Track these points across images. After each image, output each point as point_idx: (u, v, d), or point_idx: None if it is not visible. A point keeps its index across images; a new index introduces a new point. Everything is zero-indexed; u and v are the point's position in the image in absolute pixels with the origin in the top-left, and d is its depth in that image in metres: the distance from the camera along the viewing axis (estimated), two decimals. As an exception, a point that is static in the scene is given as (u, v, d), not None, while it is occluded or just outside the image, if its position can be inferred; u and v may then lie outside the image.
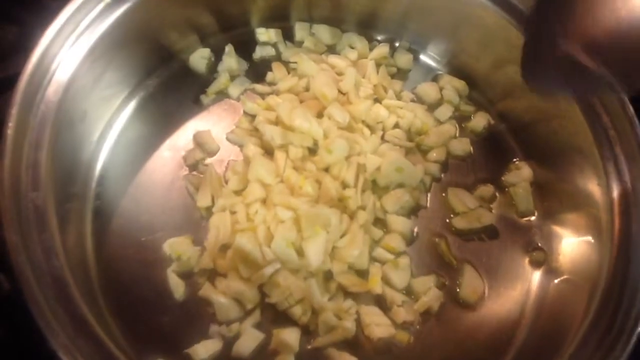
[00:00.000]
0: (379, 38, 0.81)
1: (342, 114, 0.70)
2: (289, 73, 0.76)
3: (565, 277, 0.67)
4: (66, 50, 0.60)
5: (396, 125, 0.74)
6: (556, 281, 0.67)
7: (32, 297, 0.47)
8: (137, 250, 0.64)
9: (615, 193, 0.62)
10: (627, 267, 0.58)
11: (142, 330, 0.60)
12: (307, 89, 0.75)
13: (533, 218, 0.72)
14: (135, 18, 0.66)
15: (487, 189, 0.72)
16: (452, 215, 0.70)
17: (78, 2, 0.62)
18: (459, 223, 0.70)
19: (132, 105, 0.72)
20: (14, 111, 0.55)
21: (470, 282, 0.66)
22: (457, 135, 0.76)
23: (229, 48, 0.76)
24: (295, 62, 0.76)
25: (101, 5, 0.63)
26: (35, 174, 0.54)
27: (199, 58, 0.76)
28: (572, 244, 0.68)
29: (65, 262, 0.52)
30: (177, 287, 0.62)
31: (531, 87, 0.60)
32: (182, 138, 0.71)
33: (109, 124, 0.70)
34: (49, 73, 0.59)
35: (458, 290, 0.66)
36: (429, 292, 0.65)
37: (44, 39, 0.59)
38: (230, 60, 0.75)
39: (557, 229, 0.70)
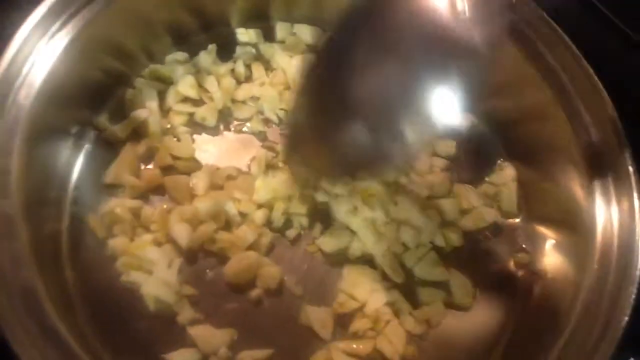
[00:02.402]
0: (360, 38, 0.80)
1: None
2: (268, 74, 0.75)
3: (549, 277, 0.66)
4: (39, 52, 0.59)
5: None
6: (540, 282, 0.66)
7: (-2, 309, 0.46)
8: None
9: (598, 193, 0.62)
10: (609, 268, 0.57)
11: (120, 338, 0.59)
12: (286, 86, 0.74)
13: (517, 219, 0.71)
14: (110, 19, 0.65)
15: (489, 187, 0.71)
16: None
17: (50, 3, 0.60)
18: (466, 223, 0.69)
19: (109, 107, 0.70)
20: (-18, 115, 0.54)
21: (461, 286, 0.65)
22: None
23: (211, 47, 0.74)
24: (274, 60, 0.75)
25: (74, 6, 0.61)
26: (5, 181, 0.52)
27: (175, 60, 0.74)
28: (556, 245, 0.67)
29: (37, 271, 0.50)
30: (152, 301, 0.61)
31: None
32: (160, 140, 0.70)
33: (86, 127, 0.68)
34: (20, 76, 0.58)
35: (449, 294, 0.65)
36: (435, 305, 0.64)
37: (15, 40, 0.58)
38: (207, 58, 0.74)
39: (541, 230, 0.69)
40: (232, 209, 0.65)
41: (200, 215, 0.64)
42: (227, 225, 0.65)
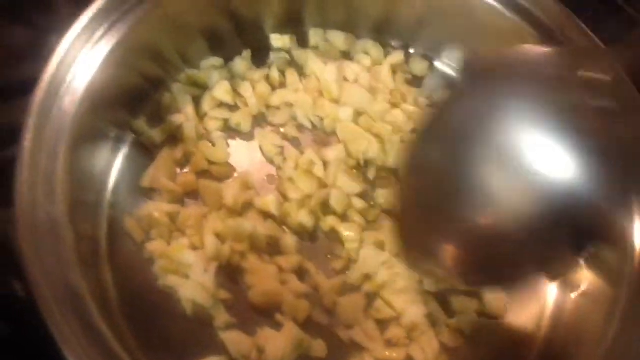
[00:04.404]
0: (393, 44, 0.81)
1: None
2: (301, 80, 0.76)
3: (583, 289, 0.65)
4: (83, 59, 0.60)
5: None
6: (573, 295, 0.66)
7: (46, 309, 0.47)
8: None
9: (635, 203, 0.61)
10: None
11: (156, 340, 0.60)
12: (320, 93, 0.75)
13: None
14: (152, 26, 0.66)
15: None
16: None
17: (94, 10, 0.62)
18: None
19: (146, 111, 0.72)
20: (31, 121, 0.55)
21: (493, 295, 0.65)
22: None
23: (246, 52, 0.76)
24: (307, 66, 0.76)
25: (117, 14, 0.63)
26: (52, 185, 0.54)
27: (211, 66, 0.75)
28: (590, 256, 0.66)
29: (80, 273, 0.52)
30: (189, 305, 0.61)
31: None
32: (197, 146, 0.71)
33: (124, 131, 0.70)
34: (65, 82, 0.59)
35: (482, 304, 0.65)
36: (468, 314, 0.64)
37: (60, 46, 0.59)
38: (242, 63, 0.75)
39: (575, 241, 0.69)
40: (260, 233, 0.65)
41: (229, 234, 0.64)
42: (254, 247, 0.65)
